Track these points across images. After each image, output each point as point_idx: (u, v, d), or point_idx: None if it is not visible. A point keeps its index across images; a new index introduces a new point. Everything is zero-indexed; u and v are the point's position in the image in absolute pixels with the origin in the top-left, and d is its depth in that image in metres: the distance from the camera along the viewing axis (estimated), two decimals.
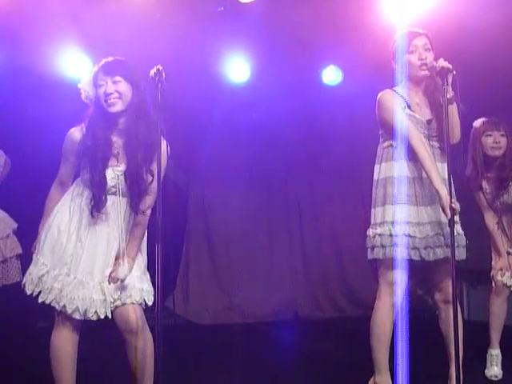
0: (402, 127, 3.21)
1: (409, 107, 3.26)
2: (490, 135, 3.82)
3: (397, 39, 3.32)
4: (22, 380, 3.60)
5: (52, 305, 2.77)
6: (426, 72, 3.23)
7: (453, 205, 3.00)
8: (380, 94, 3.34)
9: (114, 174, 2.84)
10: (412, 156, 3.19)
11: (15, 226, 3.62)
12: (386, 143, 3.35)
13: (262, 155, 6.40)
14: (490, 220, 3.95)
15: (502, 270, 3.88)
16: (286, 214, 7.09)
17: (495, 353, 3.90)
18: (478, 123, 3.89)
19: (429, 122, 3.30)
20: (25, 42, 4.30)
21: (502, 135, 3.82)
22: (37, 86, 4.63)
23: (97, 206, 2.80)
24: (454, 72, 3.08)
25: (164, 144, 2.84)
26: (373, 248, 3.26)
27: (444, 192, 3.06)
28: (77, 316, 2.78)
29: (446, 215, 3.04)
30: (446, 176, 3.12)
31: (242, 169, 6.48)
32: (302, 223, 7.11)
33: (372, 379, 3.34)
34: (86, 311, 2.77)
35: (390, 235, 3.18)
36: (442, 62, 3.11)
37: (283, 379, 3.96)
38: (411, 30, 3.33)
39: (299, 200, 7.10)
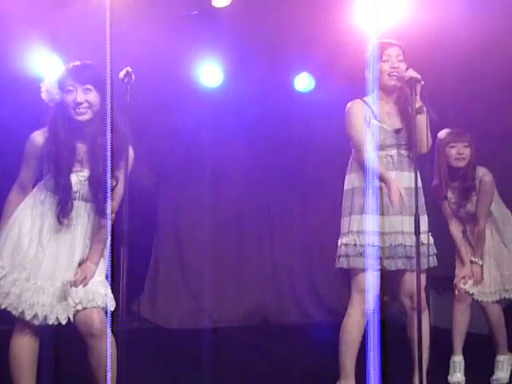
0: (358, 139, 3.28)
1: (375, 118, 3.30)
2: (454, 146, 3.84)
3: (371, 48, 3.35)
4: None
5: (8, 309, 2.71)
6: (396, 81, 3.26)
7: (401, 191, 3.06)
8: (348, 105, 3.38)
9: (78, 179, 2.81)
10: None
11: None
12: (354, 154, 3.39)
13: (233, 160, 6.38)
14: (455, 229, 4.00)
15: (464, 278, 3.92)
16: (256, 220, 7.07)
17: (458, 359, 3.91)
18: (442, 134, 3.92)
19: (397, 131, 3.33)
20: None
21: (466, 146, 3.84)
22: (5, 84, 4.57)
23: (63, 212, 2.76)
24: (423, 82, 3.12)
25: (130, 150, 2.81)
26: (339, 257, 3.32)
27: (391, 183, 3.12)
28: (36, 322, 2.73)
29: (391, 202, 3.10)
30: (413, 185, 3.13)
31: (211, 173, 6.43)
32: (272, 229, 7.10)
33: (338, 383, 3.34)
34: (45, 317, 2.73)
35: (355, 245, 3.23)
36: (411, 72, 3.15)
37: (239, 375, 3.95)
38: (385, 40, 3.37)
39: (269, 206, 7.09)
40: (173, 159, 6.24)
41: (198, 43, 4.93)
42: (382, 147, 3.27)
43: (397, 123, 3.36)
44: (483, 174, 3.87)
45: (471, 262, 3.90)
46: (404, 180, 3.28)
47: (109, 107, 2.71)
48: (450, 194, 3.95)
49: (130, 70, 2.63)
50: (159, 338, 5.84)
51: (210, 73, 5.40)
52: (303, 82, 5.68)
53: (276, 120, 5.86)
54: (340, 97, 3.56)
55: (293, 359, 4.77)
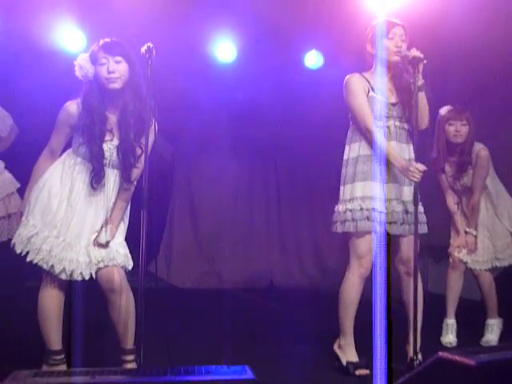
0: (361, 109, 3.26)
1: (373, 90, 3.30)
2: (453, 124, 3.87)
3: (376, 25, 3.33)
4: (13, 335, 3.62)
5: (39, 264, 2.80)
6: (399, 59, 3.28)
7: (417, 167, 3.05)
8: (347, 78, 3.37)
9: (108, 147, 2.87)
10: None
11: (18, 185, 3.64)
12: (353, 125, 3.40)
13: (245, 131, 6.41)
14: (451, 201, 4.04)
15: (459, 247, 3.97)
16: (265, 189, 7.13)
17: (450, 322, 4.00)
18: (443, 111, 3.93)
19: (394, 104, 3.34)
20: (22, 15, 4.25)
21: (464, 124, 3.86)
22: (33, 57, 4.60)
23: (96, 178, 2.85)
24: (425, 61, 3.12)
25: (153, 121, 2.87)
26: (343, 222, 3.30)
27: (400, 163, 3.14)
28: (63, 276, 2.81)
29: (410, 178, 3.09)
30: (413, 156, 3.18)
31: (225, 144, 6.48)
32: (280, 199, 7.15)
33: (337, 341, 3.41)
34: (72, 272, 2.80)
35: (361, 209, 3.23)
36: (415, 52, 3.14)
37: (256, 341, 4.02)
38: (391, 19, 3.36)
39: (278, 175, 7.14)
40: (188, 130, 6.28)
41: (215, 22, 4.95)
42: (378, 118, 3.26)
43: (394, 97, 3.36)
44: (480, 149, 3.89)
45: (466, 233, 3.95)
46: (402, 151, 3.30)
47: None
48: (447, 168, 3.99)
49: (151, 45, 2.66)
50: (174, 296, 5.91)
51: (224, 49, 5.40)
52: (313, 59, 5.67)
53: (286, 94, 5.85)
54: (347, 73, 3.57)
55: (296, 319, 4.85)
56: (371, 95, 3.29)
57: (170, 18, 4.35)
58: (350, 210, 3.27)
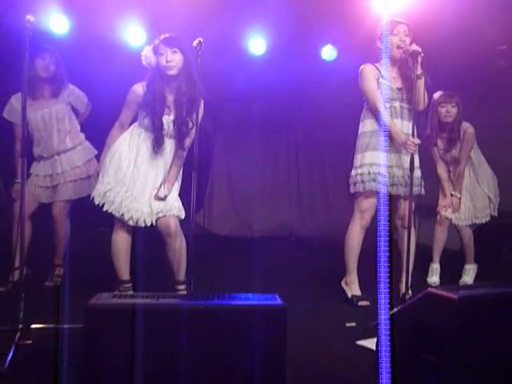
0: (372, 93, 3.26)
1: (383, 78, 3.28)
2: (444, 106, 3.82)
3: (384, 24, 3.29)
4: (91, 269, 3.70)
5: (113, 213, 2.89)
6: (401, 52, 3.23)
7: (413, 141, 3.08)
8: (361, 67, 3.36)
9: (166, 121, 2.93)
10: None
11: (95, 152, 3.67)
12: (366, 106, 3.39)
13: (272, 111, 6.33)
14: (441, 169, 3.99)
15: (445, 207, 3.95)
16: (287, 158, 7.08)
17: (435, 266, 4.02)
18: (436, 95, 3.87)
19: (399, 89, 3.33)
20: (96, 15, 4.25)
21: (453, 106, 3.81)
22: (104, 49, 4.61)
23: (157, 145, 2.93)
24: (423, 54, 3.07)
25: (201, 100, 2.91)
26: (355, 184, 3.33)
27: (400, 137, 3.17)
28: (130, 223, 2.90)
29: (407, 149, 3.12)
30: (411, 131, 3.13)
31: (255, 121, 6.42)
32: (298, 165, 7.10)
33: (344, 279, 3.48)
34: (137, 220, 2.88)
35: (369, 173, 3.25)
36: (414, 47, 3.11)
37: (280, 277, 4.04)
38: (396, 18, 3.31)
39: (297, 147, 7.08)
40: (227, 109, 6.25)
41: (248, 20, 4.89)
42: (386, 100, 3.26)
43: (399, 83, 3.36)
44: (467, 127, 3.85)
45: (451, 195, 3.93)
46: (404, 127, 3.31)
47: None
48: (439, 142, 3.94)
49: (201, 40, 2.67)
50: (214, 241, 5.97)
51: (256, 43, 5.33)
52: (328, 52, 5.58)
53: (306, 81, 5.78)
54: (357, 64, 3.52)
55: (311, 261, 4.91)
56: (381, 81, 3.27)
57: (215, 17, 4.28)
58: (361, 174, 3.30)
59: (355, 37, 4.57)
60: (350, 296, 3.43)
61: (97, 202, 2.91)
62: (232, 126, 6.61)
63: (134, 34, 4.86)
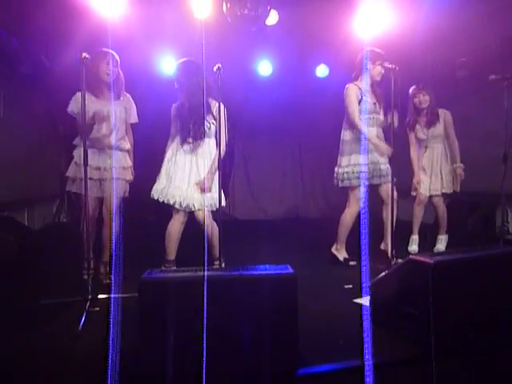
0: (352, 109, 3.33)
1: (364, 95, 3.32)
2: (417, 96, 3.77)
3: (365, 53, 3.30)
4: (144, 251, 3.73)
5: (171, 203, 2.94)
6: (381, 69, 3.26)
7: (390, 150, 3.19)
8: (346, 86, 3.39)
9: (206, 126, 2.94)
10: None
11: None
12: (347, 117, 3.42)
13: (278, 119, 6.28)
14: (413, 152, 3.89)
15: (418, 183, 3.84)
16: (292, 156, 7.08)
17: (414, 237, 3.95)
18: (411, 89, 3.84)
19: (375, 103, 3.37)
20: (138, 47, 4.25)
21: (424, 95, 3.75)
22: (145, 77, 4.62)
23: (188, 144, 2.97)
24: (397, 68, 3.01)
25: (221, 110, 2.89)
26: (343, 180, 3.41)
27: (380, 149, 3.30)
28: (177, 206, 2.94)
29: (379, 152, 3.30)
30: (382, 135, 3.36)
31: (265, 127, 6.39)
32: (301, 161, 7.09)
33: (334, 246, 3.56)
34: (185, 206, 2.93)
35: (353, 172, 3.34)
36: (388, 64, 3.05)
37: (289, 250, 4.05)
38: (373, 48, 3.33)
39: (300, 147, 7.05)
40: (241, 120, 6.22)
41: (257, 47, 4.87)
42: (368, 112, 3.31)
43: (374, 98, 3.39)
44: (444, 112, 3.81)
45: (455, 168, 3.82)
46: (378, 133, 3.38)
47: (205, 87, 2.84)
48: (417, 126, 3.84)
49: (220, 66, 2.63)
50: (236, 224, 6.01)
51: (264, 65, 5.31)
52: (321, 71, 5.53)
53: (304, 95, 5.74)
54: (345, 80, 3.50)
55: (312, 236, 4.89)
56: (363, 99, 3.32)
57: (230, 45, 4.28)
58: (347, 173, 3.37)
59: (343, 57, 4.52)
60: (341, 259, 3.49)
61: (156, 197, 2.95)
62: (247, 132, 6.58)
63: (167, 63, 4.88)
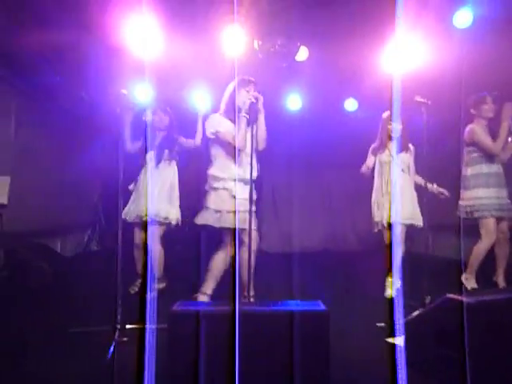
0: (488, 144, 3.48)
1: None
2: (391, 124, 3.66)
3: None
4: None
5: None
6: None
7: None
8: (470, 127, 3.52)
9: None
10: None
11: None
12: (476, 153, 3.54)
13: (307, 152, 6.30)
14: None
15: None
16: (320, 188, 7.05)
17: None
18: (384, 115, 3.72)
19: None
20: (172, 84, 4.41)
21: (398, 124, 3.64)
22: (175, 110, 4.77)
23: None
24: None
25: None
26: (470, 212, 3.49)
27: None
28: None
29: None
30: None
31: (294, 160, 6.39)
32: (330, 194, 7.05)
33: (463, 275, 3.52)
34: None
35: (481, 205, 3.42)
36: (420, 98, 3.05)
37: (314, 285, 3.94)
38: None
39: (329, 179, 7.02)
40: (270, 152, 6.28)
41: (288, 82, 4.98)
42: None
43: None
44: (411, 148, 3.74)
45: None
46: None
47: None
48: (386, 151, 3.71)
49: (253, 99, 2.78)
50: (263, 256, 5.88)
51: (293, 100, 5.41)
52: (350, 105, 5.58)
53: (333, 128, 5.79)
54: (374, 115, 3.54)
55: (342, 270, 4.77)
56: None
57: (260, 81, 4.39)
58: (473, 205, 3.48)
59: (372, 91, 4.57)
60: (469, 288, 3.48)
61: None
62: (275, 164, 6.62)
63: (200, 99, 5.02)
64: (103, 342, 2.38)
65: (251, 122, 2.79)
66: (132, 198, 3.56)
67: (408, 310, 2.35)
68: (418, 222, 3.51)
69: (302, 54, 4.35)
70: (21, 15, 3.36)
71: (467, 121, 3.67)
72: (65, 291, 3.50)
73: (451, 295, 1.96)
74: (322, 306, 1.74)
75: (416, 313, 2.20)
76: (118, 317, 2.52)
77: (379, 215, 3.57)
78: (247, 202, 2.82)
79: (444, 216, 3.82)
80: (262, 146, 3.05)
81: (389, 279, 3.46)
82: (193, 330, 1.71)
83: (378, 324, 2.81)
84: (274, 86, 4.88)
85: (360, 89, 5.08)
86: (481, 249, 3.43)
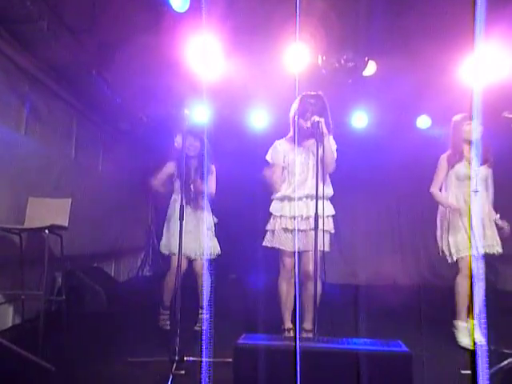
0: None
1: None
2: (469, 124, 3.30)
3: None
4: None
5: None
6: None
7: None
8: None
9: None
10: None
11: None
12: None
13: (374, 173, 6.19)
14: None
15: None
16: (389, 214, 6.83)
17: None
18: (455, 117, 3.45)
19: None
20: (234, 102, 4.55)
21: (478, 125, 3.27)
22: (233, 129, 4.91)
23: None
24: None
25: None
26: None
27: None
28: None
29: None
30: None
31: (358, 182, 6.28)
32: (400, 221, 6.80)
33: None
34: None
35: None
36: (507, 114, 2.98)
37: (380, 322, 3.84)
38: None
39: (399, 204, 6.80)
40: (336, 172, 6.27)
41: (352, 99, 4.97)
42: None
43: None
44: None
45: None
46: None
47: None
48: (464, 162, 3.39)
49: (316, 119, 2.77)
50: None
51: (359, 117, 5.37)
52: (423, 122, 5.45)
53: (404, 147, 5.66)
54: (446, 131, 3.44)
55: (413, 307, 4.51)
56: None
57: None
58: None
59: (447, 106, 4.43)
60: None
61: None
62: (338, 187, 6.56)
63: (257, 117, 5.16)
64: (160, 374, 2.42)
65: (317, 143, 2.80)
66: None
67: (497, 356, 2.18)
68: (499, 249, 3.19)
69: (370, 68, 4.33)
70: (81, 35, 3.62)
71: None
72: (121, 317, 3.63)
73: None
74: (404, 347, 1.67)
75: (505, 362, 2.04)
76: (176, 348, 2.55)
77: (454, 243, 3.25)
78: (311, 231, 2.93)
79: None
80: (330, 169, 3.04)
81: (469, 320, 3.14)
82: (257, 364, 1.70)
83: (463, 371, 2.62)
84: (338, 102, 4.88)
85: (434, 104, 4.96)
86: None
